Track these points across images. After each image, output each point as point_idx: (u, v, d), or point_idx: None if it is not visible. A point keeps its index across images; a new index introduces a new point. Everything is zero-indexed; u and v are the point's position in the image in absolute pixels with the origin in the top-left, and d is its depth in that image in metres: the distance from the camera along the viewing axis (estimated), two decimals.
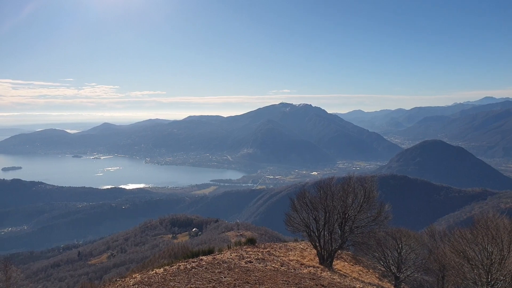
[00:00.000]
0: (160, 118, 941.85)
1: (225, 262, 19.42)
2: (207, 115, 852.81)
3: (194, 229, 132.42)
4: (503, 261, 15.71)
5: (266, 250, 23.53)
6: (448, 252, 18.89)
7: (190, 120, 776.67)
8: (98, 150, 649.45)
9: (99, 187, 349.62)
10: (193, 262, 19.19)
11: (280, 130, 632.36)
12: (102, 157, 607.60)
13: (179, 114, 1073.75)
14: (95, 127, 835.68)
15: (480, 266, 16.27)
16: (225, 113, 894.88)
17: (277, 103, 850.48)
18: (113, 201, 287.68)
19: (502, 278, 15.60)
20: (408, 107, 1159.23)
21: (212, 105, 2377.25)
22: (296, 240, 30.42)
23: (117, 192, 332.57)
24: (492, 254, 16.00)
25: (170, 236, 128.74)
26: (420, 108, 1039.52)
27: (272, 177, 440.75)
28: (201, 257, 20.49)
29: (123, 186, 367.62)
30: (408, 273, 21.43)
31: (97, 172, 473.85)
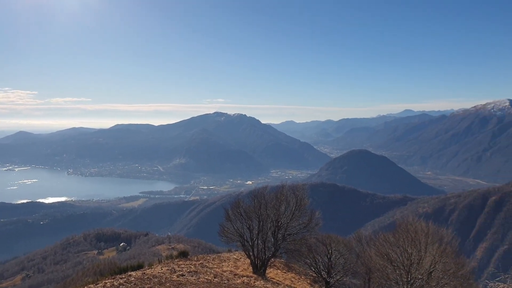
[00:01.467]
0: (85, 126, 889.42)
1: (156, 277, 18.54)
2: (137, 124, 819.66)
3: (122, 243, 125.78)
4: (420, 261, 16.97)
5: (199, 262, 22.96)
6: (374, 255, 19.92)
7: (118, 129, 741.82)
8: (12, 161, 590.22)
9: (13, 202, 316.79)
10: (121, 278, 18.01)
11: (214, 139, 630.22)
12: (16, 169, 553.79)
13: (106, 122, 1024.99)
14: (8, 136, 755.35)
15: (401, 266, 17.37)
16: (156, 122, 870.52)
17: (211, 112, 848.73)
18: (30, 217, 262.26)
19: (420, 276, 16.80)
20: (336, 118, 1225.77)
21: (142, 113, 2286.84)
22: (230, 251, 30.13)
23: (34, 206, 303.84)
24: (411, 255, 17.19)
25: (96, 252, 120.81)
26: (347, 119, 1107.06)
27: (206, 187, 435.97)
28: (129, 273, 19.32)
29: (41, 200, 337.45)
30: (338, 277, 22.21)
31: (10, 185, 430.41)
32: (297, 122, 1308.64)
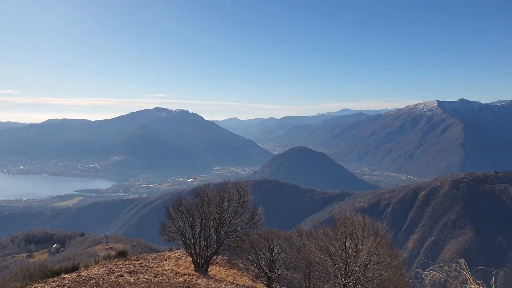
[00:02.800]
0: (13, 121, 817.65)
1: (92, 279, 17.54)
2: (71, 119, 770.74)
3: (55, 245, 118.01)
4: (357, 254, 17.76)
5: (139, 262, 22.13)
6: (314, 249, 20.51)
7: (51, 124, 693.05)
8: None
9: None
10: (53, 282, 16.78)
11: (155, 136, 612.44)
12: None
13: (37, 117, 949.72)
14: None
15: (339, 260, 18.06)
16: (92, 117, 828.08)
17: (151, 108, 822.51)
18: None
19: (357, 269, 17.59)
20: (279, 116, 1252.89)
21: (77, 107, 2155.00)
22: (171, 249, 29.44)
23: None
24: (349, 248, 17.94)
25: (25, 255, 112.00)
26: (289, 117, 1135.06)
27: (146, 185, 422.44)
28: (63, 276, 18.07)
29: None
30: (279, 272, 22.59)
31: None
32: (241, 119, 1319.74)
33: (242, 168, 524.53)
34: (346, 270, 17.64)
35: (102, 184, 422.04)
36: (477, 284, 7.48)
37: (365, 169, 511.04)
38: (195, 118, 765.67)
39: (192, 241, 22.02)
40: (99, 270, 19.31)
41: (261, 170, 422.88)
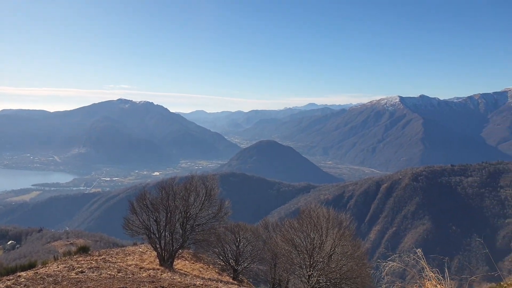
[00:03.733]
0: None
1: (51, 276, 16.83)
2: (29, 109, 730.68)
3: (10, 241, 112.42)
4: (322, 245, 18.13)
5: (101, 257, 21.49)
6: (280, 241, 20.75)
7: (5, 115, 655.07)
8: None
9: None
10: (8, 280, 15.95)
11: (118, 128, 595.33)
12: None
13: None
14: None
15: (304, 251, 18.37)
16: (51, 108, 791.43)
17: (114, 99, 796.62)
18: None
19: (321, 260, 17.95)
20: (246, 109, 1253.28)
21: (35, 97, 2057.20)
22: (135, 244, 28.83)
23: None
24: (314, 239, 18.28)
25: None
26: (257, 111, 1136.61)
27: (109, 179, 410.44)
28: (19, 273, 17.22)
29: None
30: (245, 264, 22.72)
31: None
32: (208, 112, 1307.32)
33: (209, 161, 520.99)
34: (311, 261, 17.97)
35: (62, 178, 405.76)
36: (432, 272, 7.82)
37: (330, 162, 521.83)
38: (160, 110, 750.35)
39: (157, 236, 21.65)
40: (58, 267, 18.59)
41: (229, 163, 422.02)
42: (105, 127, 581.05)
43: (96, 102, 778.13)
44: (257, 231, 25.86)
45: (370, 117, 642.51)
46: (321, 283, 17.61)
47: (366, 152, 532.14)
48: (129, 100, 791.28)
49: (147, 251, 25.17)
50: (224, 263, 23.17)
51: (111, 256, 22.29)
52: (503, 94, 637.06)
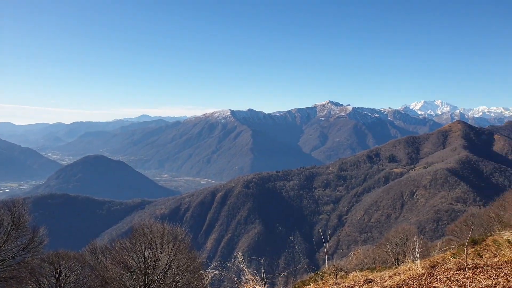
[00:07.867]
0: None
1: None
2: None
3: None
4: (157, 262, 17.28)
5: None
6: (110, 265, 18.95)
7: None
8: None
9: None
10: None
11: None
12: None
13: None
14: None
15: (138, 271, 17.16)
16: None
17: None
18: None
19: (156, 277, 17.08)
20: (68, 121, 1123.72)
21: None
22: None
23: None
24: (148, 258, 17.26)
25: None
26: (81, 122, 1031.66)
27: None
28: None
29: None
30: None
31: None
32: (17, 124, 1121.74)
33: (19, 183, 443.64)
34: (145, 281, 16.90)
35: None
36: (251, 274, 8.21)
37: (166, 175, 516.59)
38: None
39: None
40: None
41: (46, 183, 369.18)
42: None
43: None
44: (82, 257, 23.11)
45: (205, 129, 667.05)
46: None
47: (202, 163, 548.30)
48: None
49: None
50: None
51: None
52: (313, 109, 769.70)
